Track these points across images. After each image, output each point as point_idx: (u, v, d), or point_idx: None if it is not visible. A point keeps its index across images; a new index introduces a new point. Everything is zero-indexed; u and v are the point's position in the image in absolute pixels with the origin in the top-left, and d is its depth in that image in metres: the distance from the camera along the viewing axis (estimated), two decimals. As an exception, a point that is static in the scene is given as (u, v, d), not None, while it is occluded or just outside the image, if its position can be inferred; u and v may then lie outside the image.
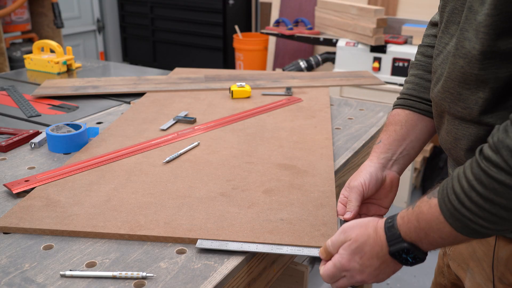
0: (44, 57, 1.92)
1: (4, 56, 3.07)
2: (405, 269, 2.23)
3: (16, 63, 3.23)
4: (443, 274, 0.99)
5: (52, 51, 2.00)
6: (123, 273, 0.72)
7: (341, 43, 2.79)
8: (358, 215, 0.86)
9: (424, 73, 0.91)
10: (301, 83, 1.71)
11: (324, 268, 0.76)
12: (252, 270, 0.81)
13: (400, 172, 0.90)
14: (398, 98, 0.94)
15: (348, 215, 0.83)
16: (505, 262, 0.75)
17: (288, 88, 1.60)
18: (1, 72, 2.53)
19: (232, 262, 0.76)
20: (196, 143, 1.17)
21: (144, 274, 0.71)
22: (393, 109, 0.94)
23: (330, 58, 3.00)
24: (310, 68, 3.00)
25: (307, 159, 1.10)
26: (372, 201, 0.89)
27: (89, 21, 4.83)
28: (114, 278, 0.72)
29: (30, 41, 3.44)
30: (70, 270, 0.73)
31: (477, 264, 0.81)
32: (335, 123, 1.37)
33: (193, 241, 0.80)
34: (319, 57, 3.02)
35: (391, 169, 0.88)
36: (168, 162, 1.08)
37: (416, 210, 0.66)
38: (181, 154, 1.12)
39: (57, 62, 1.88)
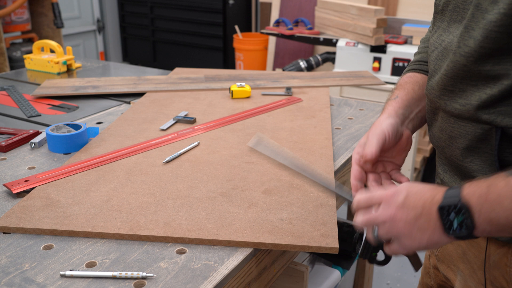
0: (44, 57, 1.93)
1: (4, 56, 3.08)
2: (405, 269, 2.23)
3: (16, 63, 3.23)
4: (429, 275, 0.97)
5: (52, 51, 2.00)
6: (123, 273, 0.72)
7: (341, 43, 2.79)
8: (375, 177, 0.81)
9: None
10: (301, 83, 1.71)
11: (358, 195, 0.70)
12: (252, 270, 0.81)
13: (413, 132, 0.86)
14: (410, 65, 0.92)
15: (369, 155, 0.76)
16: (497, 266, 0.73)
17: (288, 88, 1.60)
18: (1, 72, 2.53)
19: (232, 262, 0.76)
20: (196, 143, 1.17)
21: (144, 274, 0.71)
22: (405, 73, 0.90)
23: (330, 58, 3.00)
24: (310, 68, 3.00)
25: (307, 159, 1.10)
26: (386, 159, 0.84)
27: (89, 21, 4.83)
28: (114, 278, 0.72)
29: (30, 41, 3.44)
30: (70, 270, 0.73)
31: (468, 267, 0.79)
32: (335, 123, 1.37)
33: (193, 241, 0.80)
34: (319, 57, 3.02)
35: (407, 127, 0.84)
36: (168, 162, 1.08)
37: (489, 181, 0.59)
38: (181, 154, 1.12)
39: (57, 62, 1.88)
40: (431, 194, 0.63)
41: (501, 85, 0.64)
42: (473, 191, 0.60)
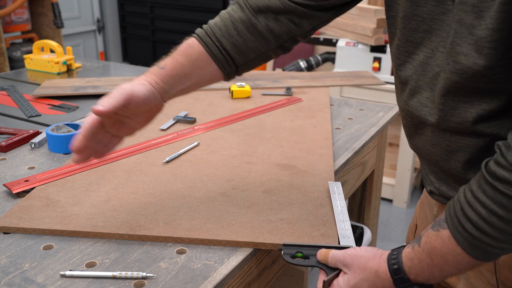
0: (44, 57, 1.92)
1: (4, 56, 3.08)
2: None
3: (16, 63, 3.23)
4: None
5: (52, 51, 2.00)
6: (123, 273, 0.72)
7: (341, 43, 2.79)
8: (104, 138, 0.79)
9: (241, 26, 0.85)
10: (301, 83, 1.71)
11: None
12: (252, 270, 0.81)
13: (166, 101, 0.86)
14: (202, 27, 0.88)
15: (100, 108, 0.72)
16: (507, 266, 0.74)
17: (288, 88, 1.60)
18: (1, 72, 2.53)
19: (232, 262, 0.76)
20: (196, 143, 1.17)
21: (144, 274, 0.71)
22: (192, 35, 0.87)
23: (330, 58, 3.00)
24: (310, 68, 3.00)
25: (307, 159, 1.10)
26: (127, 120, 0.81)
27: (89, 21, 4.83)
28: (114, 278, 0.72)
29: (30, 41, 3.44)
30: (70, 270, 0.73)
31: (474, 269, 0.78)
32: (335, 123, 1.37)
33: (193, 241, 0.80)
34: (319, 57, 3.02)
35: (163, 99, 0.84)
36: (168, 162, 1.08)
37: (427, 247, 0.63)
38: (181, 154, 1.12)
39: (57, 62, 1.88)
40: (381, 283, 0.67)
41: (499, 100, 0.63)
42: (421, 268, 0.64)
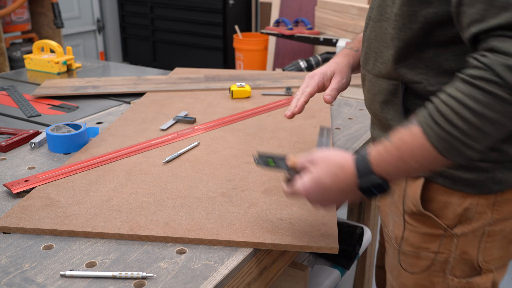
0: (44, 57, 1.93)
1: (4, 56, 3.08)
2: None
3: (16, 63, 3.23)
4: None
5: (52, 51, 2.00)
6: (123, 273, 0.72)
7: (341, 43, 2.79)
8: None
9: None
10: (301, 83, 1.70)
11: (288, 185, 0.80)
12: (252, 270, 0.81)
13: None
14: None
15: (326, 99, 1.02)
16: (409, 196, 0.88)
17: (288, 88, 1.60)
18: (1, 72, 2.53)
19: (232, 262, 0.76)
20: (196, 143, 1.17)
21: (144, 274, 0.71)
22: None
23: (330, 58, 2.99)
24: (310, 68, 3.00)
25: (307, 159, 1.10)
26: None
27: (89, 21, 4.83)
28: (114, 278, 0.72)
29: (30, 41, 3.44)
30: (70, 270, 0.73)
31: (394, 206, 0.94)
32: (335, 123, 1.37)
33: (193, 241, 0.80)
34: (319, 57, 3.01)
35: (353, 72, 1.09)
36: (168, 162, 1.08)
37: (397, 142, 0.69)
38: (181, 154, 1.12)
39: (57, 62, 1.89)
40: (344, 174, 0.73)
41: (401, 46, 0.80)
42: (385, 161, 0.70)
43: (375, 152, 0.72)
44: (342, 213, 2.46)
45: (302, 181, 0.76)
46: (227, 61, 4.55)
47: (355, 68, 1.08)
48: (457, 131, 0.64)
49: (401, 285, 0.97)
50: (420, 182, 0.85)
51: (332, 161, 0.74)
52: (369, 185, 0.71)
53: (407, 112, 0.85)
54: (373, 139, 1.00)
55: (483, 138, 0.64)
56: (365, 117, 1.42)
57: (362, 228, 1.47)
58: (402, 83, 0.84)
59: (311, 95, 1.03)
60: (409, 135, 0.68)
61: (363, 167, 0.72)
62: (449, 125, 0.64)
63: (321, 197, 0.75)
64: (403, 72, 0.82)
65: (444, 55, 0.78)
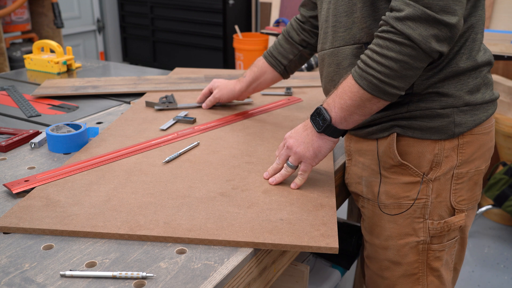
0: (44, 57, 1.93)
1: (4, 56, 3.08)
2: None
3: (16, 63, 3.23)
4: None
5: (52, 51, 2.00)
6: (123, 273, 0.72)
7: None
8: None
9: (284, 43, 1.31)
10: (301, 83, 1.71)
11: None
12: (252, 270, 0.81)
13: (248, 95, 1.41)
14: (266, 51, 1.35)
15: (203, 106, 1.43)
16: (384, 152, 1.01)
17: (288, 88, 1.60)
18: (1, 72, 2.53)
19: (232, 262, 0.76)
20: (195, 143, 1.17)
21: (144, 274, 0.71)
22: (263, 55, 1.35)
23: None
24: (310, 68, 3.00)
25: (307, 159, 1.10)
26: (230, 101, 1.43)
27: (89, 21, 4.83)
28: (114, 278, 0.72)
29: (30, 41, 3.44)
30: (70, 270, 0.73)
31: (367, 171, 1.07)
32: (335, 123, 1.37)
33: (193, 241, 0.80)
34: (319, 57, 3.01)
35: (244, 93, 1.38)
36: (168, 162, 1.08)
37: (337, 86, 0.93)
38: (181, 154, 1.12)
39: (57, 62, 1.89)
40: (307, 119, 0.98)
41: (360, 9, 0.96)
42: (328, 97, 0.94)
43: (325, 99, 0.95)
44: (342, 213, 2.46)
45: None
46: (227, 61, 4.55)
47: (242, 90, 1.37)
48: (371, 69, 0.86)
49: (386, 238, 1.06)
50: (393, 137, 0.99)
51: (298, 126, 1.00)
52: (314, 111, 0.95)
53: None
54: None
55: (393, 74, 0.85)
56: (365, 117, 1.41)
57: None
58: (365, 44, 0.97)
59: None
60: (344, 79, 0.92)
61: (315, 110, 0.95)
62: (365, 65, 0.87)
63: (297, 138, 0.97)
64: (367, 33, 0.96)
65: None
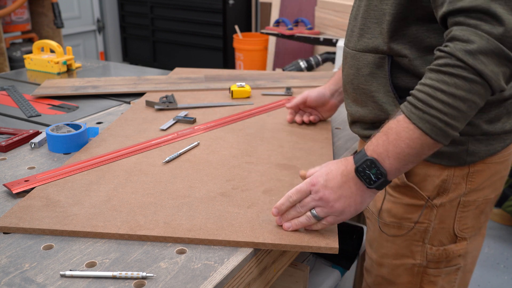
0: (44, 57, 1.93)
1: (4, 56, 3.08)
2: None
3: (16, 63, 3.23)
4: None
5: (52, 51, 2.00)
6: (123, 273, 0.72)
7: (341, 43, 2.79)
8: (302, 113, 1.32)
9: None
10: (301, 83, 1.71)
11: (294, 188, 0.83)
12: (252, 270, 0.81)
13: (340, 103, 1.28)
14: None
15: (289, 104, 1.30)
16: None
17: (288, 88, 1.60)
18: (1, 72, 2.53)
19: (232, 262, 0.76)
20: (195, 143, 1.17)
21: (144, 274, 0.71)
22: None
23: (330, 58, 3.00)
24: (310, 68, 3.00)
25: (307, 159, 1.10)
26: (315, 112, 1.31)
27: (89, 21, 4.83)
28: (114, 278, 0.72)
29: (30, 41, 3.44)
30: (70, 270, 0.73)
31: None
32: (335, 123, 1.37)
33: (193, 241, 0.80)
34: (319, 57, 3.02)
35: (335, 98, 1.27)
36: (168, 162, 1.08)
37: (384, 129, 0.77)
38: (181, 154, 1.12)
39: (57, 62, 1.89)
40: (344, 165, 0.80)
41: (387, 21, 0.87)
42: (377, 145, 0.77)
43: (368, 143, 0.79)
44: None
45: (309, 178, 0.82)
46: (227, 61, 4.55)
47: (338, 94, 1.26)
48: (435, 110, 0.72)
49: (382, 256, 1.05)
50: None
51: (333, 162, 0.83)
52: (361, 162, 0.77)
53: (394, 86, 0.93)
54: (351, 116, 1.05)
55: (460, 116, 0.72)
56: (365, 117, 1.42)
57: (362, 228, 1.47)
58: (388, 56, 0.91)
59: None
60: (395, 122, 0.76)
61: (358, 154, 0.80)
62: (427, 106, 0.72)
63: (335, 190, 0.79)
64: (390, 46, 0.89)
65: (425, 32, 0.86)
